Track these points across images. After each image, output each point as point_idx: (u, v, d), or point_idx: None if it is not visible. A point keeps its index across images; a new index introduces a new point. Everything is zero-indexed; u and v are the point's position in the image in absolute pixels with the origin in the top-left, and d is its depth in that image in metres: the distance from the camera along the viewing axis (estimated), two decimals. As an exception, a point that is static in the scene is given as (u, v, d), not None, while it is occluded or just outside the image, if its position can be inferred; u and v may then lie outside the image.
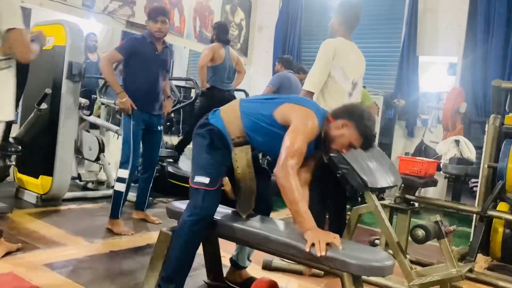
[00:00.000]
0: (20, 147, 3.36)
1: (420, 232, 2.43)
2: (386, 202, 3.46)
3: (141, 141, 3.45)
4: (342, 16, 3.12)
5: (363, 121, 1.95)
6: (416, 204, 3.61)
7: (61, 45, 3.75)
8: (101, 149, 4.77)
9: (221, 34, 4.68)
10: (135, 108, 3.33)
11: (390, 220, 3.46)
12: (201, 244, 2.17)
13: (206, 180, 2.00)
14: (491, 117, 3.65)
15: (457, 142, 3.48)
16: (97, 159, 4.77)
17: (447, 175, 3.37)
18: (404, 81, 6.45)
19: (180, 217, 2.11)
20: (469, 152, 3.40)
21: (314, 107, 2.01)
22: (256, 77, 7.36)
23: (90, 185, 4.71)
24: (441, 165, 3.27)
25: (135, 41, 3.43)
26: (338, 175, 2.65)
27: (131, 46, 3.38)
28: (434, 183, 3.37)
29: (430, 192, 5.81)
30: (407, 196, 3.33)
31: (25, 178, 3.97)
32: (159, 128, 3.58)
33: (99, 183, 4.68)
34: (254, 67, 7.72)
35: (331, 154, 2.66)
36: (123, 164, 3.34)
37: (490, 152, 3.58)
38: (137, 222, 3.60)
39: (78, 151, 4.75)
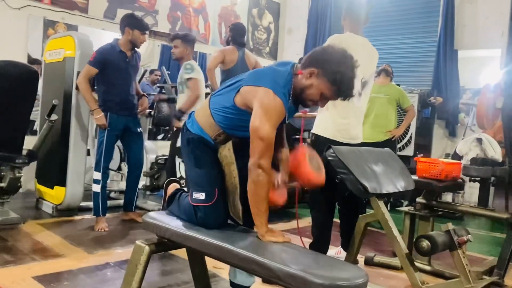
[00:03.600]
0: (27, 159, 3.41)
1: (425, 244, 2.16)
2: (405, 208, 3.18)
3: (122, 145, 3.81)
4: (348, 10, 2.92)
5: (331, 66, 1.69)
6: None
7: (72, 56, 3.79)
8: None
9: (236, 36, 4.54)
10: (107, 127, 3.52)
11: (412, 228, 3.17)
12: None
13: (202, 196, 1.89)
14: (530, 112, 3.26)
15: (479, 140, 3.11)
16: (119, 168, 4.81)
17: (470, 178, 3.02)
18: (442, 77, 6.02)
19: (158, 230, 1.99)
20: (493, 152, 3.02)
21: (271, 84, 1.74)
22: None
23: (112, 195, 4.74)
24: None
25: (105, 52, 3.52)
26: (336, 181, 2.43)
27: (103, 57, 3.48)
28: (458, 186, 3.04)
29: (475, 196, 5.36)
30: (428, 201, 3.03)
31: (43, 188, 4.04)
32: (138, 130, 3.79)
33: (121, 192, 4.69)
34: (284, 71, 7.54)
35: (329, 158, 2.47)
36: (95, 168, 3.61)
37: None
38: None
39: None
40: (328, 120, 2.79)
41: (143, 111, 3.93)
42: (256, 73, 1.88)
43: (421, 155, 5.74)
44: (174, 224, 1.95)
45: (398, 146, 5.39)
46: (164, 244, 2.04)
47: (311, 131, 2.87)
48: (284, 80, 1.77)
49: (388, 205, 4.74)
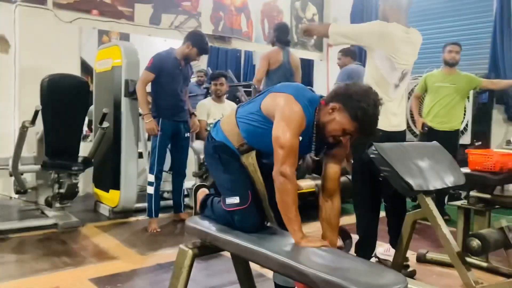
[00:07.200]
0: (83, 166, 3.60)
1: (475, 243, 2.06)
2: (459, 202, 3.05)
3: (170, 148, 3.91)
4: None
5: (353, 103, 1.68)
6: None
7: (119, 65, 3.95)
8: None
9: (281, 35, 4.46)
10: (159, 131, 3.65)
11: (467, 223, 3.03)
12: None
13: (236, 199, 1.92)
14: None
15: (536, 129, 2.89)
16: (170, 169, 4.95)
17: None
18: (499, 59, 5.66)
19: (199, 234, 2.04)
20: (552, 140, 2.80)
21: (294, 91, 1.77)
22: (333, 73, 7.03)
23: (165, 195, 4.89)
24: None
25: (162, 58, 3.66)
26: (380, 179, 2.37)
27: (160, 63, 3.62)
28: (516, 178, 2.85)
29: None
30: (482, 195, 2.88)
31: (99, 192, 4.26)
32: (186, 135, 3.90)
33: (173, 192, 4.83)
34: (331, 63, 7.40)
35: (371, 156, 2.41)
36: (150, 170, 3.77)
37: None
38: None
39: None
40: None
41: (195, 131, 4.10)
42: (286, 84, 1.93)
43: (479, 143, 5.46)
44: (214, 228, 1.99)
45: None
46: (206, 248, 2.08)
47: None
48: (311, 97, 1.80)
49: (446, 197, 4.55)
